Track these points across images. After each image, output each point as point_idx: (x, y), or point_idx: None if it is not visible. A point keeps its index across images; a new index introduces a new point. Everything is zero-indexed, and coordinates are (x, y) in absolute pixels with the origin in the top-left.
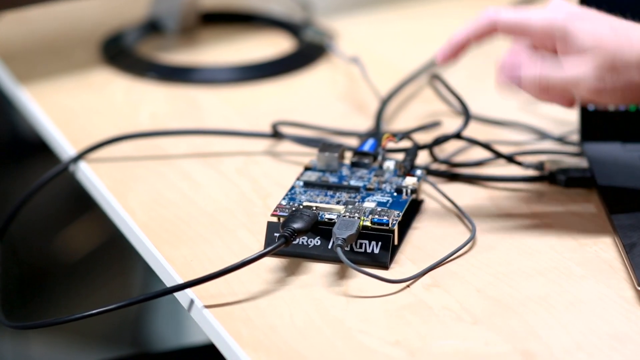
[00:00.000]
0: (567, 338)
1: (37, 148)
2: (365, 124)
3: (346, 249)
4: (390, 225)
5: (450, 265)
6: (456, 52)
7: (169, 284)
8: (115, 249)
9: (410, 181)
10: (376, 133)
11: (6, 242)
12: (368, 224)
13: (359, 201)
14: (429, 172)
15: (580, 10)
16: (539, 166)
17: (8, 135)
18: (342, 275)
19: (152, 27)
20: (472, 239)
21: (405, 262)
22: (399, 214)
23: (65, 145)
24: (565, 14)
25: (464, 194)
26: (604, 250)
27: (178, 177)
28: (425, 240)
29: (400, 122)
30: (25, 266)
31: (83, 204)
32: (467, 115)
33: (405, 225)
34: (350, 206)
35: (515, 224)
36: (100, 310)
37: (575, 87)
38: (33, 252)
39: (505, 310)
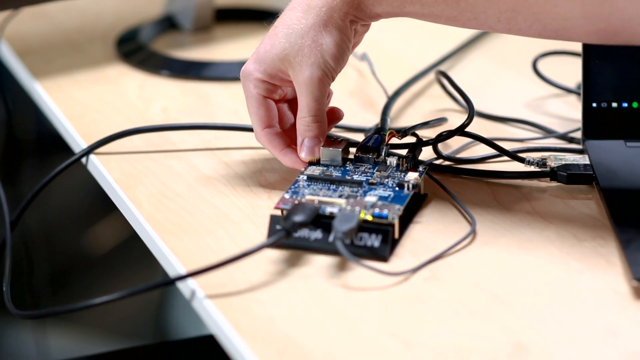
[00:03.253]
0: (561, 331)
1: (61, 143)
2: (373, 120)
3: (346, 242)
4: (390, 219)
5: (449, 258)
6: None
7: (172, 274)
8: (140, 243)
9: (412, 176)
10: (381, 129)
11: (36, 238)
12: (369, 217)
13: (360, 195)
14: (432, 167)
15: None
16: (541, 163)
17: (34, 131)
18: (342, 267)
19: (168, 24)
20: (471, 233)
21: (404, 255)
22: (399, 208)
23: (77, 139)
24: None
25: (466, 189)
26: (602, 245)
27: (186, 170)
28: (425, 234)
29: (407, 118)
30: (53, 262)
31: (110, 199)
32: (471, 111)
33: (406, 219)
34: (351, 200)
35: (515, 219)
36: (103, 300)
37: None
38: (62, 248)
39: (502, 304)
